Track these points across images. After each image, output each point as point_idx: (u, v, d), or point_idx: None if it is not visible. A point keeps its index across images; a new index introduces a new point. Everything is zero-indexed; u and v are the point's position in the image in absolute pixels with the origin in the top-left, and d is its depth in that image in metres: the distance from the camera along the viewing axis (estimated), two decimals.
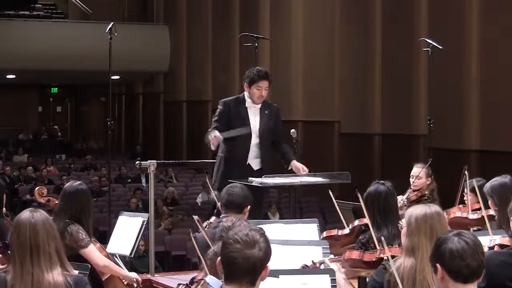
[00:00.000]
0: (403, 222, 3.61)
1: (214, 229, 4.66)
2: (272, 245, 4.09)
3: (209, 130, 6.50)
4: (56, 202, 5.16)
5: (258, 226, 4.80)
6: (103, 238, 7.14)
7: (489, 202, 4.85)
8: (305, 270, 3.97)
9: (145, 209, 11.29)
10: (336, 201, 5.16)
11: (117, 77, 20.20)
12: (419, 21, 12.75)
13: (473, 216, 5.53)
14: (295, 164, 6.57)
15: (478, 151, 11.74)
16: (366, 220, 4.53)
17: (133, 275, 5.17)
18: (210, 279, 3.45)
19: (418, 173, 6.18)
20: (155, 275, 6.74)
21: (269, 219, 11.47)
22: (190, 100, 20.57)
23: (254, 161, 6.57)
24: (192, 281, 4.03)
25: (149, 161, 7.13)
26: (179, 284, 4.15)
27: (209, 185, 5.80)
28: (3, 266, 3.57)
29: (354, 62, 14.46)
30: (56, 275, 3.24)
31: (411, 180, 6.19)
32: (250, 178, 6.30)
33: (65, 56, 19.43)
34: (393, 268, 3.40)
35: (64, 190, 5.00)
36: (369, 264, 4.00)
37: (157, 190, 13.28)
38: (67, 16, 24.76)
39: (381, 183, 4.64)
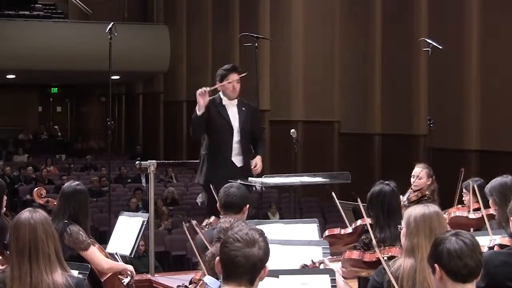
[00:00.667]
0: (402, 223, 3.61)
1: (213, 230, 4.66)
2: (272, 245, 4.09)
3: (190, 129, 6.61)
4: (55, 202, 5.16)
5: (258, 226, 4.83)
6: (103, 238, 7.15)
7: (490, 201, 4.85)
8: (305, 270, 3.97)
9: (145, 209, 11.30)
10: (337, 202, 5.15)
11: (117, 77, 20.20)
12: (419, 21, 12.75)
13: (472, 216, 5.53)
14: (256, 159, 6.56)
15: (478, 151, 11.74)
16: (367, 221, 4.52)
17: (130, 267, 5.16)
18: (208, 279, 3.45)
19: (419, 173, 6.18)
20: (155, 275, 6.74)
21: (269, 219, 11.47)
22: (190, 100, 20.55)
23: (236, 158, 6.62)
24: (191, 282, 4.03)
25: (149, 161, 7.14)
26: (178, 286, 4.16)
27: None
28: (3, 267, 3.56)
29: (354, 62, 14.46)
30: (56, 276, 3.22)
31: (412, 180, 6.18)
32: (250, 178, 6.31)
33: (65, 56, 19.43)
34: (388, 272, 3.40)
35: (62, 191, 5.00)
36: (369, 264, 4.00)
37: (157, 190, 13.27)
38: (67, 16, 24.76)
39: (386, 184, 4.62)
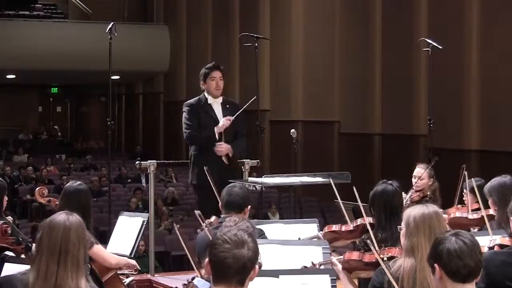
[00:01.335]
0: (401, 223, 3.61)
1: (215, 229, 4.66)
2: (272, 245, 4.09)
3: (188, 132, 6.69)
4: (57, 202, 5.16)
5: (258, 226, 4.83)
6: (103, 238, 7.14)
7: (489, 201, 4.85)
8: (305, 270, 3.97)
9: (145, 209, 11.30)
10: (337, 201, 5.15)
11: (117, 77, 20.20)
12: (419, 21, 12.75)
13: (472, 216, 5.53)
14: (226, 145, 6.66)
15: (478, 151, 11.74)
16: (369, 220, 4.52)
17: (132, 262, 5.18)
18: (198, 281, 3.44)
19: (421, 174, 6.18)
20: (155, 275, 6.74)
21: (269, 219, 11.47)
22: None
23: (224, 157, 6.63)
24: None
25: (149, 161, 7.14)
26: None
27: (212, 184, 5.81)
28: (27, 269, 3.55)
29: (354, 62, 14.47)
30: (80, 282, 3.19)
31: (413, 180, 6.18)
32: (250, 179, 6.31)
33: (65, 56, 19.44)
34: (387, 272, 3.40)
35: (64, 190, 5.00)
36: (370, 265, 3.99)
37: (157, 190, 13.27)
38: (67, 16, 24.75)
39: (389, 183, 4.61)
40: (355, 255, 4.07)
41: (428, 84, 10.46)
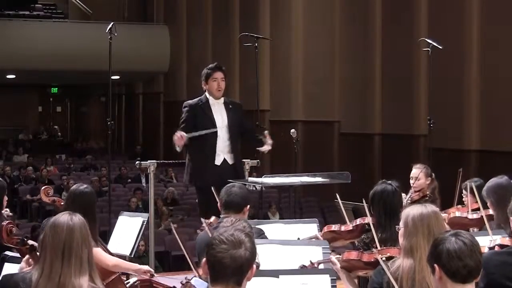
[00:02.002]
0: (400, 223, 3.61)
1: (214, 229, 4.66)
2: (272, 245, 4.09)
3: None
4: (62, 202, 5.15)
5: (258, 226, 4.83)
6: (103, 238, 7.14)
7: (488, 203, 4.86)
8: (305, 270, 3.97)
9: (145, 209, 11.29)
10: (336, 201, 5.15)
11: (117, 77, 20.20)
12: (419, 21, 12.75)
13: (472, 216, 5.53)
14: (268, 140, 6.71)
15: (478, 151, 11.74)
16: (368, 220, 4.52)
17: (145, 267, 5.17)
18: (196, 281, 3.44)
19: (417, 175, 6.18)
20: (155, 275, 6.73)
21: (269, 219, 11.47)
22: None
23: (228, 156, 6.64)
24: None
25: (149, 161, 7.15)
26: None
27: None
28: (30, 268, 3.57)
29: (354, 62, 14.47)
30: (83, 281, 3.22)
31: (411, 182, 6.18)
32: (250, 179, 6.31)
33: (65, 56, 19.43)
34: (387, 272, 3.40)
35: (69, 193, 4.98)
36: (368, 264, 3.99)
37: (157, 190, 13.27)
38: (67, 16, 24.75)
39: (388, 183, 4.61)
40: (354, 255, 4.07)
41: (428, 84, 10.46)
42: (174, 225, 4.56)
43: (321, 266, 4.11)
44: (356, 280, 4.27)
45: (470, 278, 2.90)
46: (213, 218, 5.14)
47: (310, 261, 4.09)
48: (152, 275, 5.15)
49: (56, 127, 28.86)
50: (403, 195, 5.69)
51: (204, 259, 2.75)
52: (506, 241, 4.07)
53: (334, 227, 4.95)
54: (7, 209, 5.51)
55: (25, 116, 28.13)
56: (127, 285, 5.12)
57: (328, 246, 4.43)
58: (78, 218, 3.34)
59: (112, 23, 8.28)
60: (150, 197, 7.14)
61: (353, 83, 14.54)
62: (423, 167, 6.23)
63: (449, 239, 2.91)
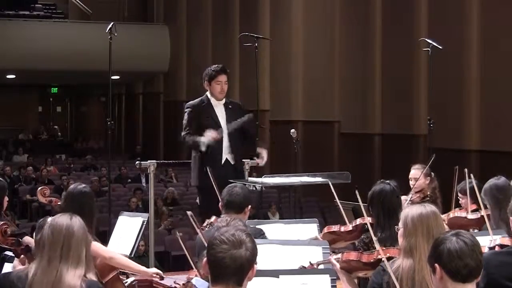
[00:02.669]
0: (399, 223, 3.61)
1: (213, 229, 4.66)
2: (272, 245, 4.09)
3: (183, 134, 6.71)
4: (59, 202, 5.15)
5: (258, 226, 4.83)
6: (103, 238, 7.14)
7: (486, 204, 4.86)
8: (305, 270, 3.96)
9: (145, 209, 11.29)
10: (338, 201, 5.15)
11: (117, 77, 20.20)
12: (419, 21, 12.74)
13: (472, 216, 5.53)
14: (262, 151, 6.75)
15: (478, 151, 11.74)
16: (368, 220, 4.52)
17: (153, 270, 5.17)
18: (196, 280, 3.44)
19: (417, 175, 6.16)
20: (165, 277, 6.73)
21: (269, 219, 11.47)
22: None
23: (230, 156, 6.64)
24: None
25: (149, 161, 7.15)
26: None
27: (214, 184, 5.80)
28: (24, 267, 3.60)
29: (354, 62, 14.46)
30: (76, 277, 3.28)
31: (411, 183, 6.16)
32: (251, 179, 6.32)
33: (65, 56, 19.44)
34: (389, 270, 3.40)
35: (68, 192, 4.98)
36: (368, 265, 3.99)
37: (157, 190, 13.27)
38: (67, 16, 24.77)
39: (387, 183, 4.62)
40: (353, 255, 4.07)
41: (428, 84, 10.45)
42: (180, 234, 4.58)
43: (321, 267, 4.11)
44: (356, 281, 4.27)
45: (471, 278, 2.90)
46: (213, 218, 5.15)
47: (310, 262, 4.09)
48: (162, 278, 5.15)
49: (56, 127, 28.88)
50: (404, 197, 5.69)
51: (205, 259, 2.75)
52: (506, 241, 4.08)
53: (334, 228, 4.95)
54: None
55: (25, 116, 28.14)
56: (125, 284, 5.12)
57: (328, 246, 4.42)
58: (78, 220, 3.42)
59: (112, 23, 8.28)
60: (150, 197, 7.14)
61: (353, 83, 14.53)
62: (422, 167, 6.22)
63: (450, 239, 2.91)
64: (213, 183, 5.68)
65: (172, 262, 11.35)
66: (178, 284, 4.48)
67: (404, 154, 12.27)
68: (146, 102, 24.27)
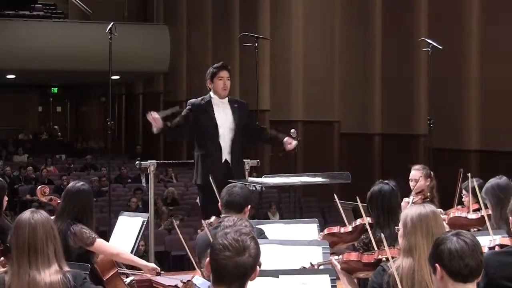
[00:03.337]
0: (399, 224, 3.61)
1: (215, 229, 4.66)
2: (272, 245, 4.08)
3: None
4: (58, 201, 5.16)
5: (258, 226, 4.83)
6: (103, 238, 7.14)
7: (487, 203, 4.86)
8: (305, 270, 3.96)
9: (145, 209, 11.30)
10: (338, 202, 5.14)
11: (117, 77, 20.21)
12: (419, 21, 12.74)
13: (472, 216, 5.53)
14: (287, 138, 6.68)
15: (478, 151, 11.73)
16: (367, 220, 4.52)
17: (152, 265, 5.19)
18: (197, 279, 3.43)
19: (417, 177, 6.13)
20: (162, 273, 6.73)
21: (269, 219, 11.47)
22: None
23: (229, 156, 6.63)
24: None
25: (149, 161, 7.14)
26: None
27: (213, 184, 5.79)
28: (4, 269, 3.58)
29: (354, 62, 14.46)
30: (53, 277, 3.25)
31: (411, 184, 6.14)
32: (251, 179, 6.31)
33: (65, 56, 19.44)
34: (393, 269, 3.40)
35: (66, 191, 4.99)
36: (368, 265, 3.99)
37: (157, 190, 13.27)
38: (67, 16, 24.77)
39: (385, 183, 4.62)
40: (353, 256, 4.07)
41: (428, 84, 10.45)
42: (177, 222, 4.58)
43: (321, 267, 4.11)
44: (356, 281, 4.27)
45: (471, 277, 2.90)
46: (213, 218, 5.14)
47: (310, 263, 4.09)
48: (158, 273, 5.17)
49: (56, 127, 28.87)
50: (406, 199, 5.68)
51: (207, 259, 2.74)
52: (506, 241, 4.07)
53: (334, 229, 4.95)
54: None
55: (25, 116, 28.14)
56: (125, 283, 5.13)
57: (328, 247, 4.42)
58: (39, 215, 3.35)
59: (112, 23, 8.28)
60: (150, 197, 7.13)
61: (353, 83, 14.53)
62: (422, 168, 6.20)
63: (451, 238, 2.91)
64: (214, 189, 5.63)
65: (172, 262, 11.35)
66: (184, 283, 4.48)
67: (404, 154, 12.27)
68: (146, 102, 24.26)
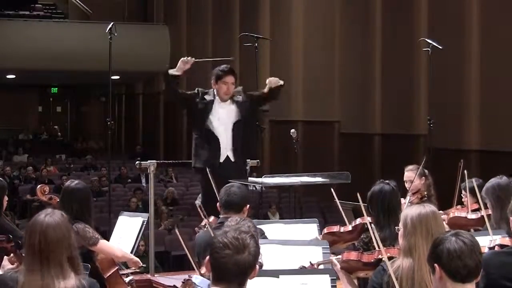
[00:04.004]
0: (399, 225, 3.61)
1: (215, 230, 4.66)
2: (272, 245, 4.09)
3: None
4: (58, 200, 5.17)
5: (258, 226, 4.83)
6: (103, 238, 7.15)
7: (487, 203, 4.86)
8: (305, 270, 3.97)
9: (145, 209, 11.30)
10: (338, 202, 5.14)
11: (117, 77, 20.20)
12: (419, 21, 12.75)
13: (472, 216, 5.53)
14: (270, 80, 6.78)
15: (478, 151, 11.74)
16: (367, 219, 4.52)
17: (135, 259, 5.23)
18: (196, 278, 3.43)
19: (412, 178, 6.12)
20: (155, 275, 6.74)
21: (269, 219, 11.47)
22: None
23: (231, 153, 6.62)
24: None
25: (149, 161, 7.15)
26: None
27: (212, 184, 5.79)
28: (14, 266, 3.56)
29: (354, 62, 14.46)
30: (67, 282, 3.14)
31: (406, 185, 6.13)
32: (251, 179, 6.31)
33: (65, 56, 19.44)
34: (390, 270, 3.40)
35: (63, 190, 5.01)
36: (368, 265, 3.99)
37: (157, 190, 13.27)
38: (67, 16, 24.76)
39: (386, 183, 4.63)
40: (353, 255, 4.07)
41: (428, 84, 10.45)
42: (179, 217, 4.61)
43: (321, 267, 4.11)
44: (356, 281, 4.27)
45: (470, 278, 2.90)
46: (212, 218, 5.14)
47: (310, 263, 4.09)
48: (139, 268, 5.19)
49: (56, 127, 28.86)
50: (402, 200, 5.68)
51: (207, 257, 2.75)
52: (506, 241, 4.07)
53: (334, 229, 4.95)
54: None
55: (25, 116, 28.12)
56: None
57: (328, 246, 4.43)
58: (53, 218, 3.19)
59: (112, 23, 8.29)
60: (150, 197, 7.14)
61: (353, 83, 14.53)
62: (415, 168, 6.18)
63: (450, 239, 2.91)
64: (212, 184, 5.66)
65: (172, 262, 11.35)
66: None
67: (404, 154, 12.26)
68: (146, 102, 24.26)
